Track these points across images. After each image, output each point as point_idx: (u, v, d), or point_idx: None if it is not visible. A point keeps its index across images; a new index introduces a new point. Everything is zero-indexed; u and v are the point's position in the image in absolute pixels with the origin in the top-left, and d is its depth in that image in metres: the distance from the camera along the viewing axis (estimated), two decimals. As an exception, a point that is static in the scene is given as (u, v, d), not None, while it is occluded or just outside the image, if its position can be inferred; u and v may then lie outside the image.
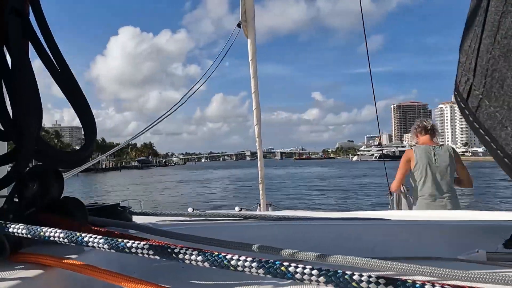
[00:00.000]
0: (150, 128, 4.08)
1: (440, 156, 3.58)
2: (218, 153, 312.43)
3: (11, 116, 0.85)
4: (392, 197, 4.10)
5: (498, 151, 0.52)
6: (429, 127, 3.79)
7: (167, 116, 4.08)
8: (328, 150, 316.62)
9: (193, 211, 2.65)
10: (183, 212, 1.44)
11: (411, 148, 3.79)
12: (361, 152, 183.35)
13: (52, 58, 0.94)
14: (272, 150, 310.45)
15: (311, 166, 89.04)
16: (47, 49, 0.94)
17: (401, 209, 3.93)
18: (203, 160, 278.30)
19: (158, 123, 4.03)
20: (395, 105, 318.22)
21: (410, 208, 3.84)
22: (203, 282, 0.73)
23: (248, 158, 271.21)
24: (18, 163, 0.83)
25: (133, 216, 1.17)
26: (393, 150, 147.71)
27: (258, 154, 4.25)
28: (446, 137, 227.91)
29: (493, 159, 0.55)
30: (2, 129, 0.89)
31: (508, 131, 0.50)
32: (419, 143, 3.81)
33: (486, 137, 0.54)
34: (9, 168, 0.88)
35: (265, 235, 1.07)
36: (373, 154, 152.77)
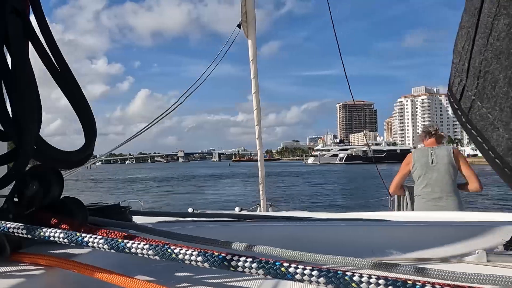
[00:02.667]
0: (148, 128, 4.09)
1: (438, 156, 3.57)
2: (149, 153, 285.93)
3: (11, 116, 0.85)
4: (392, 198, 4.12)
5: (490, 152, 0.53)
6: (432, 132, 3.86)
7: (165, 115, 4.11)
8: (272, 151, 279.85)
9: (193, 211, 2.66)
10: (183, 212, 1.43)
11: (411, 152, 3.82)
12: (320, 153, 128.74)
13: (52, 58, 0.94)
14: (214, 151, 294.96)
15: (239, 176, 46.00)
16: (47, 49, 0.94)
17: (402, 210, 3.94)
18: (126, 162, 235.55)
19: (157, 122, 4.06)
20: (340, 104, 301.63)
21: (412, 209, 3.86)
22: (203, 283, 0.73)
23: (181, 160, 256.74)
24: (18, 163, 0.83)
25: (133, 216, 1.17)
26: (364, 149, 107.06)
27: (259, 155, 4.28)
28: (406, 131, 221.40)
29: (485, 159, 0.55)
30: (2, 129, 0.89)
31: (500, 132, 0.50)
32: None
33: (478, 138, 0.55)
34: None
35: (265, 235, 1.07)
36: (336, 155, 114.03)
